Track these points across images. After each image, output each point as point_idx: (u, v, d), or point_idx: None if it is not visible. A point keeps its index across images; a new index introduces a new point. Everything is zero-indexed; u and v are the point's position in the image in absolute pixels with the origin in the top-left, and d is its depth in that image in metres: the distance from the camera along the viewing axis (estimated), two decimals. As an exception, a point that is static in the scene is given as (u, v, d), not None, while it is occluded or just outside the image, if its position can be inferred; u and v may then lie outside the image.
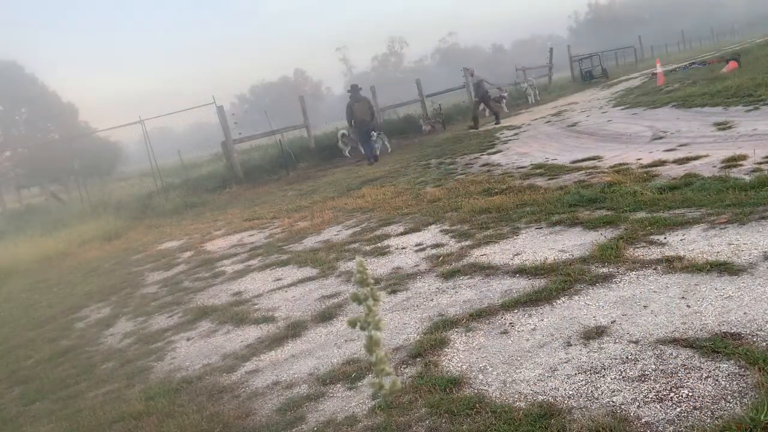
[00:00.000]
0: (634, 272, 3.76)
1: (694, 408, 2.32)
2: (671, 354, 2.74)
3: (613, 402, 2.49)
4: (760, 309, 2.92)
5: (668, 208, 4.91)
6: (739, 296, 3.11)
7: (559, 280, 3.88)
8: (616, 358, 2.82)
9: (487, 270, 4.50)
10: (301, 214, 9.12)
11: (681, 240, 4.13)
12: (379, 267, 5.27)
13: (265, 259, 6.76)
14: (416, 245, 5.71)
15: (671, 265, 3.72)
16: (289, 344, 4.06)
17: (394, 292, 4.52)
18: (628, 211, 5.09)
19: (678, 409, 2.34)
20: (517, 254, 4.70)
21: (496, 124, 17.73)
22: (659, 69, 20.06)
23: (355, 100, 15.11)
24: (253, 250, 7.43)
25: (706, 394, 2.39)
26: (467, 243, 5.34)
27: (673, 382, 2.52)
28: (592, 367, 2.79)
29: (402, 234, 6.29)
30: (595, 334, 3.10)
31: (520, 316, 3.55)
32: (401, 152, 15.92)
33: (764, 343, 2.62)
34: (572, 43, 39.76)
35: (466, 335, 3.47)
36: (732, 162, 6.04)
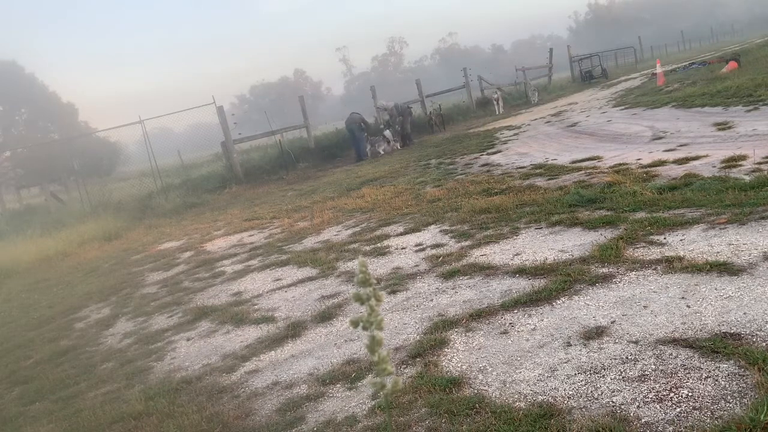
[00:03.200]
0: (634, 272, 3.77)
1: (694, 408, 2.32)
2: (671, 354, 2.74)
3: (613, 402, 2.49)
4: (760, 309, 2.92)
5: (668, 209, 4.91)
6: (739, 296, 3.12)
7: (559, 280, 3.88)
8: (616, 359, 2.82)
9: (487, 270, 4.50)
10: (301, 215, 9.12)
11: (681, 240, 4.13)
12: (379, 267, 5.27)
13: (265, 259, 6.76)
14: (416, 245, 5.71)
15: (671, 265, 3.72)
16: (288, 344, 4.06)
17: (394, 292, 4.52)
18: (628, 211, 5.10)
19: (678, 410, 2.34)
20: (516, 254, 4.70)
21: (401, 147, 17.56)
22: (659, 69, 20.06)
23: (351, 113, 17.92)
24: (252, 250, 7.43)
25: (706, 394, 2.39)
26: (467, 243, 5.34)
27: (672, 383, 2.52)
28: (592, 368, 2.79)
29: (402, 234, 6.29)
30: (595, 334, 3.10)
31: (520, 316, 3.55)
32: (401, 152, 15.94)
33: (764, 343, 2.62)
34: (572, 44, 39.78)
35: (465, 335, 3.47)
36: (732, 162, 6.05)
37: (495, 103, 22.85)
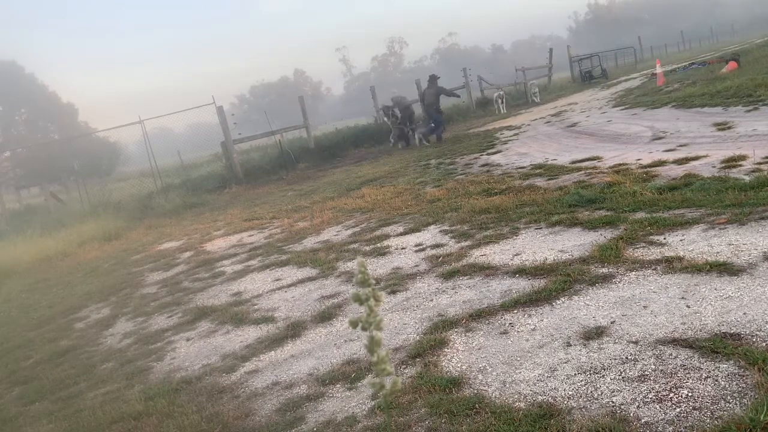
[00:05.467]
0: (633, 272, 3.77)
1: (694, 408, 2.32)
2: (671, 354, 2.74)
3: (613, 402, 2.49)
4: (760, 309, 2.92)
5: (668, 209, 4.91)
6: (739, 296, 3.12)
7: (559, 281, 3.88)
8: (615, 359, 2.82)
9: (487, 270, 4.50)
10: (301, 215, 9.12)
11: (681, 240, 4.13)
12: (378, 267, 5.27)
13: (265, 259, 6.76)
14: (416, 245, 5.71)
15: (671, 265, 3.72)
16: (288, 344, 4.06)
17: (393, 292, 4.52)
18: (628, 211, 5.10)
19: (678, 410, 2.34)
20: (516, 254, 4.70)
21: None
22: (659, 69, 20.06)
23: (427, 88, 17.07)
24: (252, 250, 7.43)
25: (706, 394, 2.39)
26: (467, 243, 5.34)
27: (672, 383, 2.52)
28: (591, 368, 2.79)
29: (402, 234, 6.29)
30: (594, 334, 3.10)
31: (520, 317, 3.55)
32: (401, 152, 15.93)
33: (764, 344, 2.62)
34: (572, 44, 39.79)
35: (465, 335, 3.47)
36: (731, 162, 6.05)
37: (498, 102, 22.72)
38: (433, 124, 16.60)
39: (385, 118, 17.90)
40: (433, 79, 17.06)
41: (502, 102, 22.66)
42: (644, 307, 3.27)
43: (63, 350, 5.24)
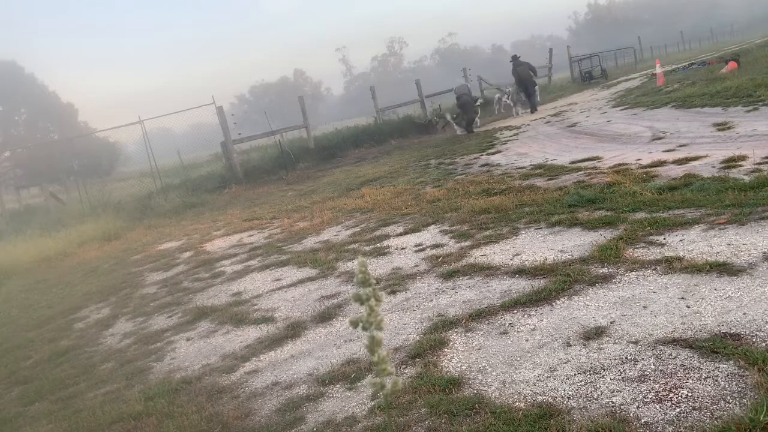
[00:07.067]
0: (633, 273, 3.77)
1: (694, 408, 2.33)
2: (671, 354, 2.74)
3: (613, 402, 2.49)
4: (760, 309, 2.92)
5: (668, 209, 4.92)
6: (739, 297, 3.12)
7: (559, 281, 3.89)
8: (615, 359, 2.82)
9: (487, 270, 4.50)
10: (301, 215, 9.12)
11: (680, 240, 4.14)
12: (378, 267, 5.27)
13: (265, 259, 6.76)
14: (416, 246, 5.71)
15: (671, 265, 3.72)
16: (288, 345, 4.06)
17: (393, 292, 4.52)
18: (628, 211, 5.10)
19: (677, 410, 2.34)
20: (516, 255, 4.70)
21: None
22: (659, 69, 20.04)
23: (517, 65, 19.49)
24: (252, 250, 7.42)
25: (706, 394, 2.39)
26: (467, 243, 5.35)
27: (672, 383, 2.52)
28: (591, 368, 2.79)
29: (401, 234, 6.30)
30: (594, 334, 3.10)
31: (520, 317, 3.55)
32: (401, 152, 15.93)
33: (763, 344, 2.62)
34: (572, 44, 39.74)
35: (465, 335, 3.47)
36: (731, 162, 6.05)
37: (502, 102, 22.47)
38: (528, 96, 19.22)
39: (459, 109, 18.43)
40: (516, 57, 19.81)
41: (509, 104, 22.42)
42: (644, 307, 3.27)
43: (63, 350, 5.24)
